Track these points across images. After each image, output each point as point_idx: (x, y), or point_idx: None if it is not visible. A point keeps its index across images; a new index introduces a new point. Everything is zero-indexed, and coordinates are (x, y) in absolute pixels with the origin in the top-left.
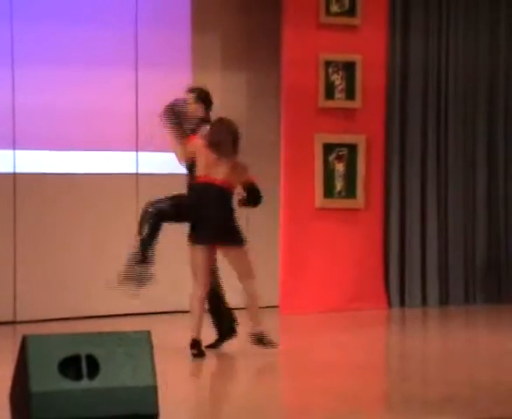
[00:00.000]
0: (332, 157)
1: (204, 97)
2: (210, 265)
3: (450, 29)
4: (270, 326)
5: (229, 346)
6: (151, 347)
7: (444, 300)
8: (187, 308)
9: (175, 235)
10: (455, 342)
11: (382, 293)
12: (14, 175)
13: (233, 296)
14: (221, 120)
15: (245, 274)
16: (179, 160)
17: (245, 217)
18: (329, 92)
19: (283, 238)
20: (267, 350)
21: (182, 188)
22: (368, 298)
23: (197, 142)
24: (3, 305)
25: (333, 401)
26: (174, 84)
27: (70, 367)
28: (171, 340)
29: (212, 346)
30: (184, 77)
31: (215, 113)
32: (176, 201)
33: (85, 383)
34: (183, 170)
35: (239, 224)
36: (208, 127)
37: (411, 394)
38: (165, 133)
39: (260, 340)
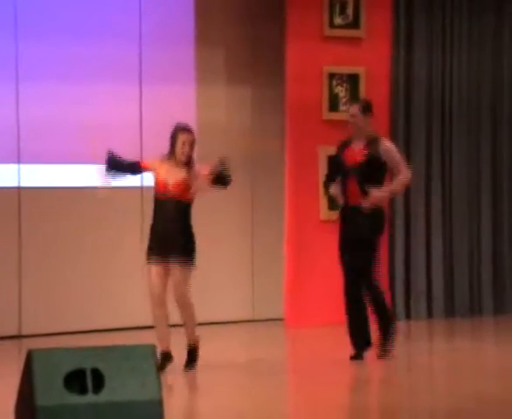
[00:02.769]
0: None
1: (368, 107)
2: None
3: (454, 41)
4: (276, 339)
5: (233, 360)
6: (156, 361)
7: (449, 312)
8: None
9: None
10: (461, 354)
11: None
12: (19, 188)
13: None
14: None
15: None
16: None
17: (250, 230)
18: (333, 105)
19: (288, 251)
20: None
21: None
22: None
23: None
24: (9, 319)
25: (339, 414)
26: (178, 98)
27: (75, 381)
28: (175, 353)
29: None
30: (189, 91)
31: (219, 126)
32: None
33: (90, 397)
34: None
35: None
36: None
37: (418, 407)
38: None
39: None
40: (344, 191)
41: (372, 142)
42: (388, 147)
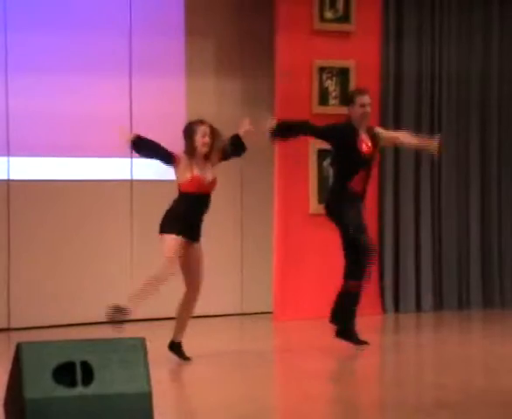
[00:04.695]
0: (326, 163)
1: None
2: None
3: (443, 35)
4: (264, 332)
5: (222, 353)
6: (146, 354)
7: (438, 306)
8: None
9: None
10: (449, 347)
11: (376, 299)
12: (8, 181)
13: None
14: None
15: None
16: None
17: (240, 224)
18: (323, 98)
19: (277, 244)
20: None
21: (174, 194)
22: (362, 303)
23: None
24: None
25: (327, 407)
26: (168, 90)
27: (64, 374)
28: (165, 346)
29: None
30: (178, 83)
31: (209, 118)
32: None
33: (79, 390)
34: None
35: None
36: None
37: (405, 399)
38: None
39: (178, 351)
40: (360, 180)
41: (373, 132)
42: (380, 129)
